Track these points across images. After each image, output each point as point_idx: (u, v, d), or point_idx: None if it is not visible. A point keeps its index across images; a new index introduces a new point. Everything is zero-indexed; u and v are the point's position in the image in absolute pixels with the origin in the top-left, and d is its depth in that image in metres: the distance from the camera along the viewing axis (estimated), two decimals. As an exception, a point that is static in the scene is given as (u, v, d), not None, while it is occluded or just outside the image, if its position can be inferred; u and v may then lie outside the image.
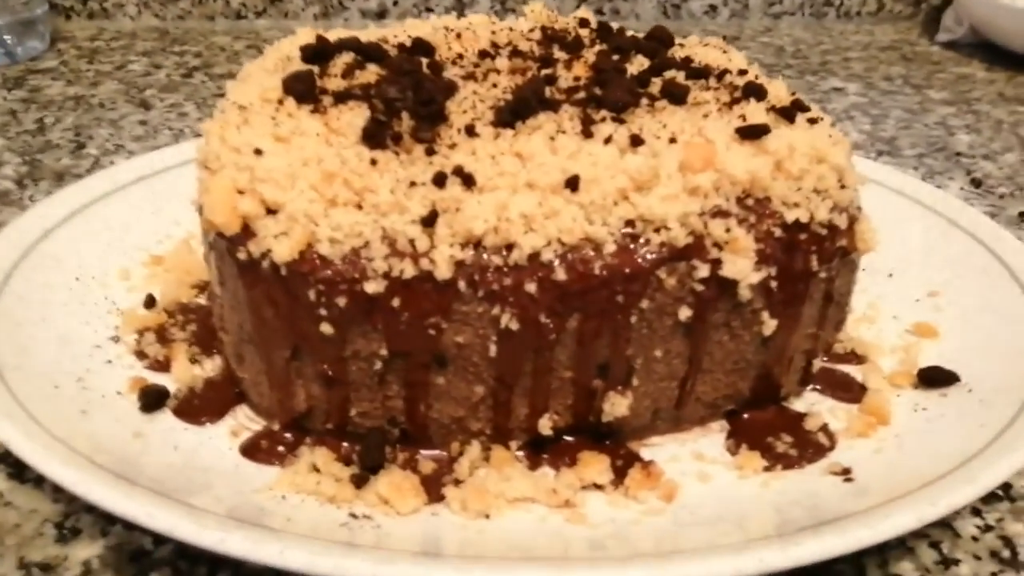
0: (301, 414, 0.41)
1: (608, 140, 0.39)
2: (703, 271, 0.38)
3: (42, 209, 0.53)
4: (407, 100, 0.39)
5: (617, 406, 0.40)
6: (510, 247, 0.37)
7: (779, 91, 0.47)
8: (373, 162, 0.38)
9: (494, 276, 0.37)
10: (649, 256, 0.37)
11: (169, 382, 0.45)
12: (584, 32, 0.50)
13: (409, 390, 0.39)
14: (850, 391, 0.46)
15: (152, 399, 0.43)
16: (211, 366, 0.46)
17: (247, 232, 0.38)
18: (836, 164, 0.42)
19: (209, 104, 0.83)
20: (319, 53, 0.44)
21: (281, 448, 0.41)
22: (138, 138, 0.76)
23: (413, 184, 0.37)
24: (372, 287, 0.36)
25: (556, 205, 0.37)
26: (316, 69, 0.43)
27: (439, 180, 0.37)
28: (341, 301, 0.37)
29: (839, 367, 0.48)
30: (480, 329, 0.37)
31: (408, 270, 0.36)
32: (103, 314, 0.49)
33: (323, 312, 0.37)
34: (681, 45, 0.51)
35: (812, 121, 0.45)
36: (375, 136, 0.38)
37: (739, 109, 0.43)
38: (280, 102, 0.41)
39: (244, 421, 0.43)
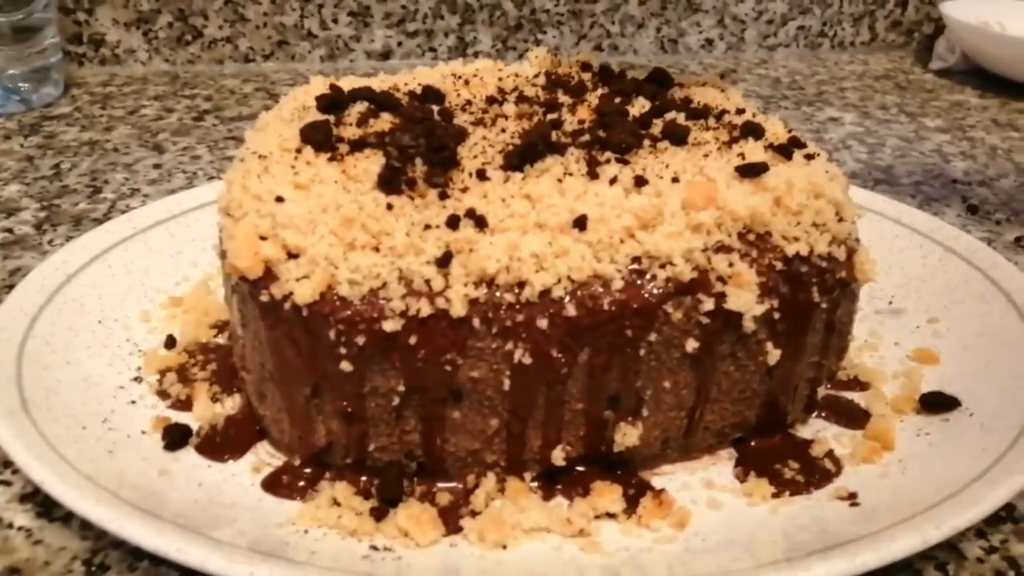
0: (321, 449, 0.42)
1: (613, 181, 0.41)
2: (708, 304, 0.39)
3: (64, 255, 0.55)
4: (420, 147, 0.41)
5: (628, 436, 0.41)
6: (522, 285, 0.38)
7: (776, 128, 0.49)
8: (389, 207, 0.39)
9: (507, 313, 0.38)
10: (656, 291, 0.39)
11: (191, 420, 0.46)
12: (586, 76, 0.52)
13: (425, 424, 0.40)
14: (854, 417, 0.47)
15: (175, 437, 0.44)
16: (232, 404, 0.47)
17: (269, 276, 0.39)
18: (833, 198, 0.44)
19: (220, 147, 0.85)
20: (334, 103, 0.46)
21: (302, 483, 0.42)
22: (152, 181, 0.78)
23: (428, 227, 0.39)
24: (390, 326, 0.38)
25: (565, 244, 0.38)
26: (332, 118, 0.45)
27: (452, 222, 0.39)
28: (360, 340, 0.38)
29: (843, 394, 0.49)
30: (494, 364, 0.39)
31: (424, 309, 0.38)
32: (125, 356, 0.51)
33: (342, 351, 0.39)
34: (680, 85, 0.53)
35: (809, 157, 0.46)
36: (390, 182, 0.40)
37: (738, 148, 0.45)
38: (298, 151, 0.43)
39: (265, 457, 0.44)
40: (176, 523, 0.37)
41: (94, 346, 0.50)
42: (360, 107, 0.46)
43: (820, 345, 0.44)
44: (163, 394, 0.48)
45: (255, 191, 0.41)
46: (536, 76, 0.51)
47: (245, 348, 0.43)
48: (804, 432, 0.46)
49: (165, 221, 0.61)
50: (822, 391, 0.47)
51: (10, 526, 0.41)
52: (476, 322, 0.38)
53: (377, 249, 0.39)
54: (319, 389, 0.41)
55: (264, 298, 0.39)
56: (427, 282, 0.38)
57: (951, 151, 0.90)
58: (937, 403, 0.46)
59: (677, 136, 0.44)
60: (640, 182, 0.41)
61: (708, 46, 1.21)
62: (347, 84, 0.52)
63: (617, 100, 0.49)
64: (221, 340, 0.52)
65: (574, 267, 0.38)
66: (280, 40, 1.08)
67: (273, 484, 0.42)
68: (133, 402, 0.47)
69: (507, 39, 1.14)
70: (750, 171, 0.42)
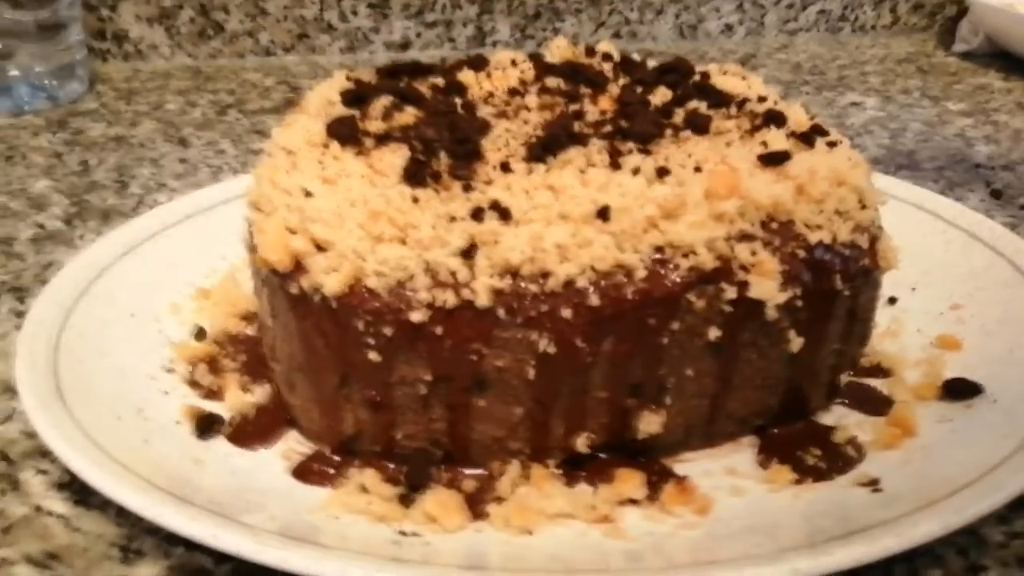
0: (349, 437, 0.43)
1: (636, 171, 0.41)
2: (731, 293, 0.40)
3: (96, 249, 0.56)
4: (444, 140, 0.42)
5: (651, 424, 0.42)
6: (546, 275, 0.39)
7: (798, 116, 0.49)
8: (415, 200, 0.40)
9: (531, 303, 0.39)
10: (678, 280, 0.39)
11: (222, 410, 0.47)
12: (607, 66, 0.53)
13: (451, 413, 0.41)
14: (876, 404, 0.47)
15: (207, 427, 0.45)
16: (261, 393, 0.48)
17: (299, 268, 0.40)
18: (856, 186, 0.44)
19: (244, 141, 0.86)
20: (358, 97, 0.47)
21: (331, 470, 0.43)
22: (179, 176, 0.79)
23: (453, 219, 0.40)
24: (417, 317, 0.38)
25: (588, 235, 0.39)
26: (357, 113, 0.45)
27: (477, 214, 0.39)
28: (388, 331, 0.39)
29: (865, 381, 0.49)
30: (519, 354, 0.39)
31: (450, 300, 0.38)
32: (157, 347, 0.52)
33: (370, 341, 0.40)
34: (702, 74, 0.53)
35: (831, 144, 0.47)
36: (415, 175, 0.41)
37: (760, 136, 0.45)
38: (325, 146, 0.44)
39: (294, 445, 0.45)
40: (210, 510, 0.38)
41: (127, 338, 0.51)
42: (384, 100, 0.46)
43: (842, 332, 0.45)
44: (194, 384, 0.49)
45: (284, 186, 0.42)
46: (557, 66, 0.52)
47: (275, 339, 0.44)
48: (826, 419, 0.47)
49: (193, 216, 0.62)
50: (844, 378, 0.47)
51: (48, 513, 0.42)
52: (501, 312, 0.39)
53: (404, 242, 0.39)
54: (347, 379, 0.41)
55: (294, 290, 0.40)
56: (453, 274, 0.39)
57: (974, 135, 0.90)
58: (960, 390, 0.46)
59: (699, 125, 0.45)
60: (662, 172, 0.41)
61: (728, 32, 1.20)
62: (368, 76, 0.52)
63: (638, 90, 0.50)
64: (250, 331, 0.53)
65: (597, 257, 0.39)
66: (300, 33, 1.09)
67: (303, 472, 0.43)
68: (166, 392, 0.48)
69: (525, 28, 1.14)
70: (772, 160, 0.43)
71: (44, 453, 0.45)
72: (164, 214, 0.61)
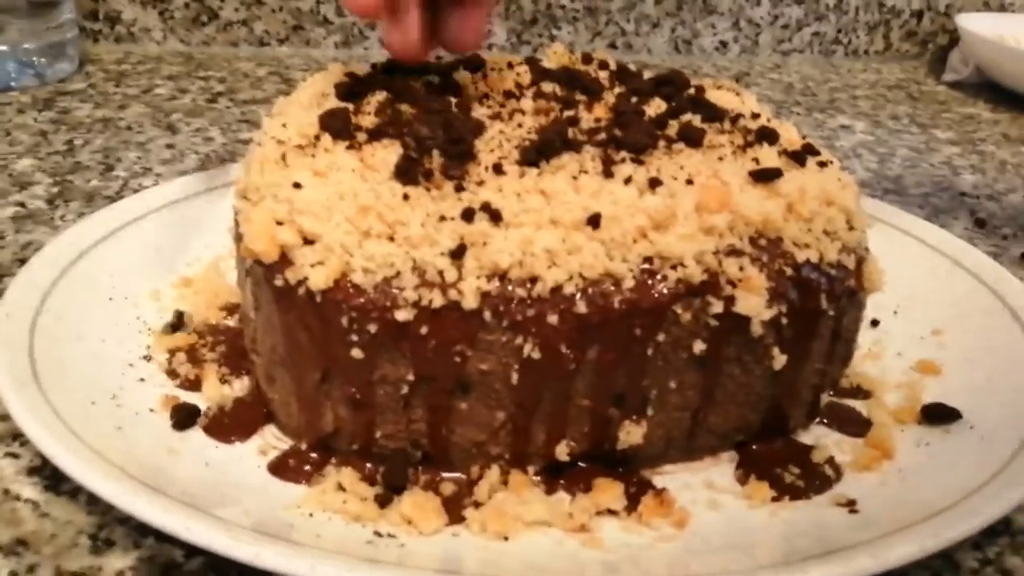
0: (328, 435, 0.43)
1: (628, 180, 0.41)
2: (717, 307, 0.40)
3: (76, 231, 0.55)
4: (438, 139, 0.42)
5: (632, 435, 0.41)
6: (534, 280, 0.38)
7: (790, 134, 0.49)
8: (405, 197, 0.40)
9: (518, 307, 0.38)
10: (666, 291, 0.39)
11: (200, 401, 0.46)
12: (603, 74, 0.53)
13: (432, 414, 0.41)
14: (856, 425, 0.47)
15: (184, 417, 0.45)
16: (240, 386, 0.48)
17: (284, 261, 0.40)
18: (845, 207, 0.44)
19: (233, 129, 0.85)
20: (352, 91, 0.46)
21: (308, 467, 0.43)
22: (165, 161, 0.78)
23: (443, 218, 0.39)
24: (402, 315, 0.38)
25: (578, 241, 0.39)
26: (351, 107, 0.45)
27: (467, 215, 0.39)
28: (372, 328, 0.39)
29: (845, 401, 0.49)
30: (503, 357, 0.39)
31: (436, 300, 0.38)
32: (135, 334, 0.51)
33: (354, 338, 0.39)
34: (696, 88, 0.53)
35: (822, 164, 0.47)
36: (407, 172, 0.40)
37: (752, 152, 0.46)
38: (317, 138, 0.44)
39: (272, 440, 0.45)
40: (183, 501, 0.37)
41: (105, 323, 0.51)
42: (379, 96, 0.46)
43: (825, 352, 0.45)
44: (172, 373, 0.48)
45: (273, 176, 0.41)
46: (553, 72, 0.51)
47: (256, 331, 0.44)
48: (806, 437, 0.47)
49: (178, 202, 0.61)
50: (825, 398, 0.47)
51: (17, 498, 0.41)
52: (487, 315, 0.38)
53: (392, 238, 0.39)
54: (329, 375, 0.41)
55: (279, 282, 0.40)
56: (440, 273, 0.38)
57: (961, 164, 0.91)
58: (938, 414, 0.47)
59: (692, 138, 0.45)
60: (654, 183, 0.41)
61: (722, 48, 1.21)
62: (362, 71, 0.52)
63: (633, 100, 0.50)
64: (231, 322, 0.53)
65: (586, 264, 0.39)
66: (295, 25, 1.08)
67: (279, 467, 0.43)
68: (142, 380, 0.48)
69: (522, 33, 1.14)
70: (764, 176, 0.43)
71: (16, 436, 0.44)
72: (148, 199, 0.60)
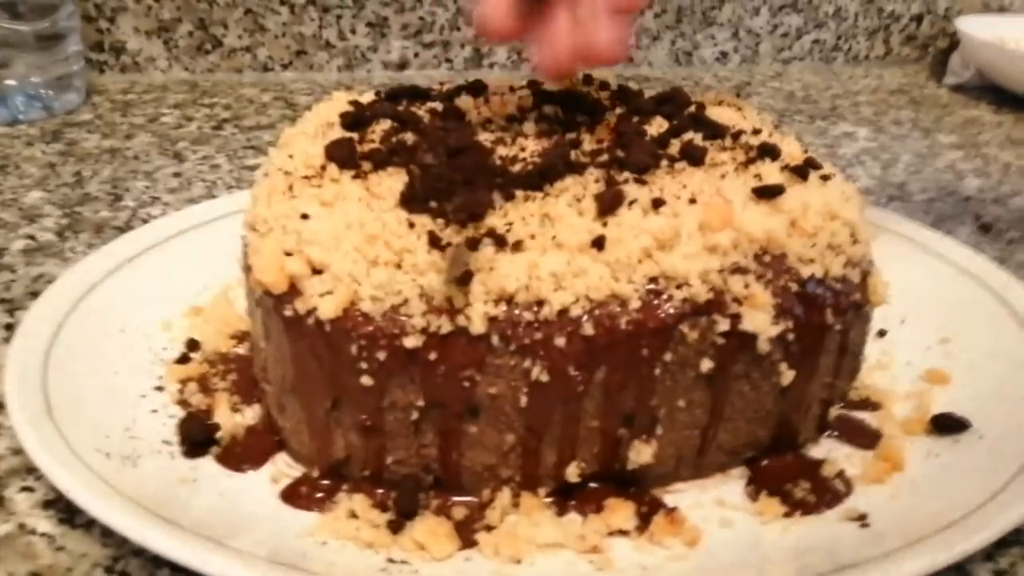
0: (339, 461, 0.43)
1: (632, 202, 0.42)
2: (723, 325, 0.40)
3: (88, 263, 0.56)
4: (442, 166, 0.42)
5: (642, 454, 0.42)
6: (540, 303, 0.39)
7: (792, 148, 0.49)
8: (411, 224, 0.40)
9: (525, 331, 0.39)
10: (672, 311, 0.39)
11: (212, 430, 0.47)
12: (604, 95, 0.53)
13: (443, 439, 0.41)
14: (865, 438, 0.47)
15: (197, 447, 0.45)
16: (252, 414, 0.48)
17: (294, 291, 0.40)
18: (849, 220, 0.44)
19: (239, 156, 0.86)
20: (357, 120, 0.47)
21: (320, 494, 0.43)
22: (172, 190, 0.79)
23: (449, 244, 0.40)
24: (411, 342, 0.38)
25: (583, 264, 0.39)
26: (355, 136, 0.46)
27: (473, 243, 0.39)
28: (381, 355, 0.39)
29: (854, 414, 0.49)
30: (512, 381, 0.39)
31: (445, 326, 0.38)
32: (147, 365, 0.52)
33: (364, 365, 0.39)
34: (697, 105, 0.53)
35: (825, 178, 0.47)
36: (412, 200, 0.41)
37: (754, 169, 0.46)
38: (323, 168, 0.44)
39: (284, 468, 0.45)
40: (196, 532, 0.38)
41: (117, 355, 0.51)
42: (383, 124, 0.47)
43: (833, 366, 0.45)
44: (184, 403, 0.49)
45: (280, 208, 0.42)
46: (554, 94, 0.52)
47: (267, 360, 0.44)
48: (815, 452, 0.47)
49: (186, 231, 0.61)
50: (834, 411, 0.47)
51: (33, 532, 0.42)
52: (495, 339, 0.39)
53: (399, 266, 0.40)
54: (339, 402, 0.41)
55: (288, 312, 0.40)
56: (448, 299, 0.39)
57: (965, 168, 0.91)
58: (948, 425, 0.47)
59: (694, 157, 0.45)
60: (658, 203, 0.42)
61: (723, 59, 1.21)
62: (367, 99, 0.53)
63: (635, 120, 0.50)
64: (241, 350, 0.53)
65: (592, 287, 0.39)
66: (299, 50, 1.09)
67: (292, 495, 0.43)
68: (155, 411, 0.48)
69: (523, 51, 1.14)
70: (766, 193, 0.43)
71: (30, 470, 0.45)
72: (157, 229, 0.61)
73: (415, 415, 0.40)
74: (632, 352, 0.39)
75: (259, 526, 0.41)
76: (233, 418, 0.48)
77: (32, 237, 0.70)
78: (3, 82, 0.91)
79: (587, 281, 0.39)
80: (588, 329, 0.39)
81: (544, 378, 0.39)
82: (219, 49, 1.08)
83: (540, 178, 0.42)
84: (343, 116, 0.47)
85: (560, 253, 0.39)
